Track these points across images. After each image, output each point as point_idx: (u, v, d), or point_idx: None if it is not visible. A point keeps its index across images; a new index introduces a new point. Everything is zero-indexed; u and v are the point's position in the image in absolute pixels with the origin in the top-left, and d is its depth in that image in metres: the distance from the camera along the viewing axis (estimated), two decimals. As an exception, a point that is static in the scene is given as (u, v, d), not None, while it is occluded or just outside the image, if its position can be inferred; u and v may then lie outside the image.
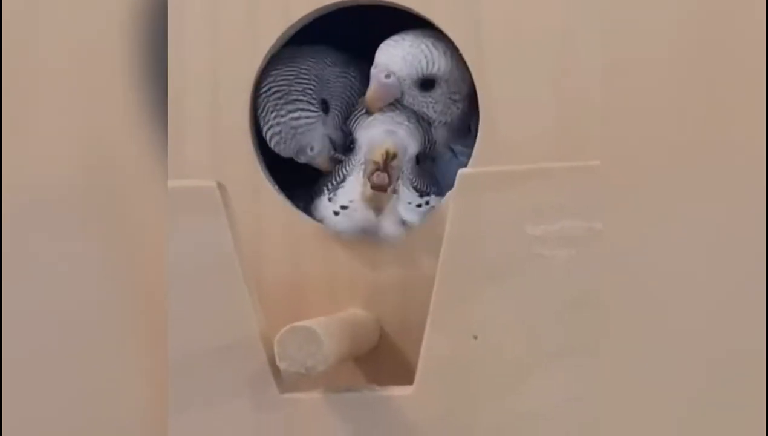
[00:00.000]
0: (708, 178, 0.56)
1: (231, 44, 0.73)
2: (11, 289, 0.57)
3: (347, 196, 0.70)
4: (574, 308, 0.60)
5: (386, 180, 0.67)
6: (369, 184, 0.68)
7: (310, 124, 0.74)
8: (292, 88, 0.74)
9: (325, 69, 0.75)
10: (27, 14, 0.58)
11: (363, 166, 0.69)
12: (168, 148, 0.61)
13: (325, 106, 0.75)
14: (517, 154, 0.69)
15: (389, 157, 0.67)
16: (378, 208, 0.69)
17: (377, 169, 0.67)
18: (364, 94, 0.73)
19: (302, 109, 0.73)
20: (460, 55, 0.71)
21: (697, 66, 0.56)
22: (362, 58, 0.76)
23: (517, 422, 0.61)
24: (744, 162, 0.55)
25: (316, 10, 0.73)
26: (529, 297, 0.61)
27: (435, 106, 0.73)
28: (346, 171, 0.72)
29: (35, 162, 0.58)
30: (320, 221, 0.72)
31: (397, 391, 0.63)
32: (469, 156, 0.71)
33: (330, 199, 0.71)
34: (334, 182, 0.72)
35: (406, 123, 0.72)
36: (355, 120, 0.74)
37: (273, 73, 0.74)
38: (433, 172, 0.74)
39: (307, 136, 0.74)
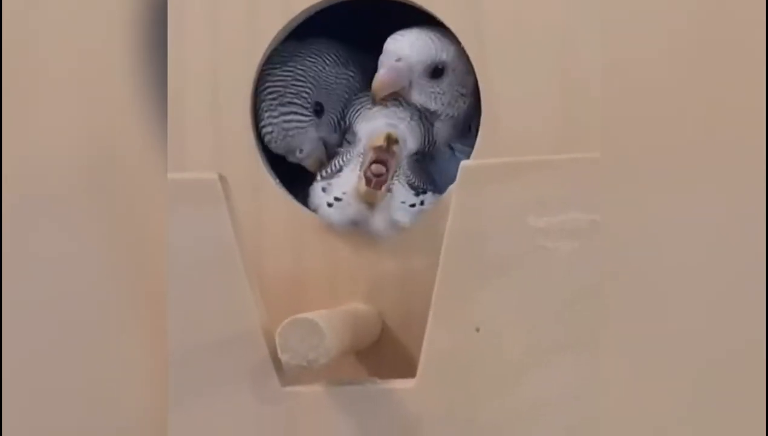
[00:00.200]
0: (709, 171, 0.56)
1: (232, 38, 0.73)
2: (12, 281, 0.57)
3: (341, 188, 0.70)
4: (576, 300, 0.60)
5: (383, 170, 0.67)
6: (363, 181, 0.68)
7: (302, 127, 0.74)
8: (288, 90, 0.74)
9: (325, 69, 0.76)
10: (28, 10, 0.58)
11: (360, 159, 0.69)
12: (168, 142, 0.61)
13: (319, 109, 0.75)
14: (519, 146, 0.69)
15: (391, 141, 0.67)
16: (370, 204, 0.69)
17: (378, 155, 0.67)
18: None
19: (295, 112, 0.74)
20: (464, 50, 0.71)
21: (698, 60, 0.56)
22: (364, 52, 0.76)
23: (518, 415, 0.61)
24: (744, 155, 0.55)
25: (317, 4, 0.73)
26: (531, 290, 0.61)
27: (442, 97, 0.73)
28: (343, 162, 0.72)
29: (36, 156, 0.58)
30: (314, 210, 0.72)
31: (399, 384, 0.63)
32: (468, 155, 0.71)
33: (324, 190, 0.71)
34: (330, 171, 0.72)
35: (408, 120, 0.72)
36: (356, 112, 0.74)
37: (271, 72, 0.74)
38: (430, 170, 0.74)
39: (297, 139, 0.74)
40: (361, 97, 0.75)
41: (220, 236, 0.63)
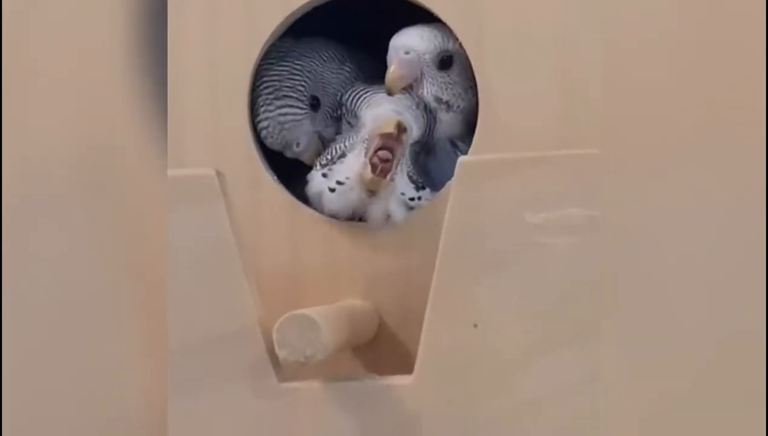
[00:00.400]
0: (708, 167, 0.56)
1: (230, 34, 0.73)
2: (12, 280, 0.57)
3: (344, 173, 0.70)
4: (574, 296, 0.60)
5: (390, 156, 0.67)
6: (369, 167, 0.68)
7: (297, 120, 0.74)
8: (283, 84, 0.74)
9: (321, 65, 0.76)
10: (26, 7, 0.58)
11: (365, 145, 0.69)
12: (168, 139, 0.61)
13: (315, 103, 0.75)
14: (517, 143, 0.69)
15: (401, 128, 0.67)
16: (372, 193, 0.69)
17: (385, 142, 0.67)
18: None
19: (290, 106, 0.74)
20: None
21: (698, 56, 0.56)
22: (361, 50, 0.76)
23: (517, 411, 0.61)
24: (744, 150, 0.55)
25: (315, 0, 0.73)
26: (529, 286, 0.61)
27: (453, 88, 0.73)
28: (346, 147, 0.72)
29: (34, 155, 0.58)
30: (314, 196, 0.71)
31: (397, 380, 0.63)
32: (470, 154, 0.71)
33: (325, 175, 0.71)
34: (330, 157, 0.72)
35: (414, 108, 0.72)
36: (359, 99, 0.73)
37: (268, 68, 0.74)
38: (429, 167, 0.74)
39: (294, 132, 0.75)
40: (361, 86, 0.74)
41: (218, 232, 0.62)
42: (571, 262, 0.60)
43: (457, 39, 0.71)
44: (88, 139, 0.59)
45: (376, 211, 0.70)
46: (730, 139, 0.55)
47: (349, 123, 0.74)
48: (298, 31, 0.76)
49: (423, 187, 0.71)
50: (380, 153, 0.68)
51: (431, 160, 0.74)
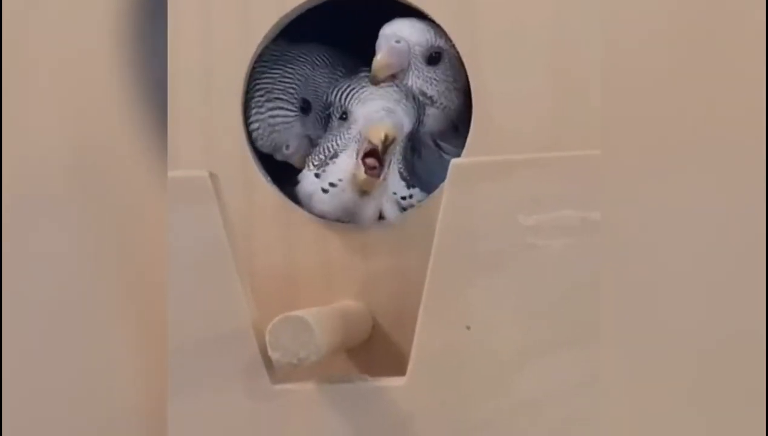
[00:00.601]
0: (704, 168, 0.56)
1: (224, 37, 0.73)
2: (10, 278, 0.58)
3: (337, 175, 0.70)
4: (568, 298, 0.60)
5: (377, 164, 0.68)
6: (363, 168, 0.68)
7: (287, 122, 0.75)
8: (275, 87, 0.75)
9: (313, 69, 0.76)
10: (23, 7, 0.58)
11: (357, 145, 0.69)
12: (168, 141, 0.61)
13: (306, 106, 0.75)
14: (510, 144, 0.69)
15: (388, 141, 0.67)
16: (364, 193, 0.69)
17: (373, 151, 0.67)
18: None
19: (280, 108, 0.75)
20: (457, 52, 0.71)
21: (694, 56, 0.56)
22: (354, 55, 0.76)
23: (510, 413, 0.61)
24: (742, 152, 0.55)
25: (309, 1, 0.73)
26: (523, 288, 0.61)
27: (438, 85, 0.73)
28: (338, 145, 0.72)
29: (31, 156, 0.59)
30: (305, 196, 0.72)
31: (390, 382, 0.63)
32: (456, 156, 0.71)
33: (317, 176, 0.71)
34: (323, 157, 0.72)
35: (404, 101, 0.72)
36: (350, 93, 0.73)
37: (261, 71, 0.75)
38: (415, 166, 0.74)
39: (284, 135, 0.75)
40: (351, 80, 0.74)
41: (211, 233, 0.62)
42: (564, 263, 0.60)
43: (449, 39, 0.71)
44: (84, 140, 0.59)
45: (367, 211, 0.70)
46: (729, 139, 0.55)
47: (341, 118, 0.73)
48: (291, 34, 0.76)
49: (413, 186, 0.71)
50: (368, 160, 0.68)
51: (416, 159, 0.74)
